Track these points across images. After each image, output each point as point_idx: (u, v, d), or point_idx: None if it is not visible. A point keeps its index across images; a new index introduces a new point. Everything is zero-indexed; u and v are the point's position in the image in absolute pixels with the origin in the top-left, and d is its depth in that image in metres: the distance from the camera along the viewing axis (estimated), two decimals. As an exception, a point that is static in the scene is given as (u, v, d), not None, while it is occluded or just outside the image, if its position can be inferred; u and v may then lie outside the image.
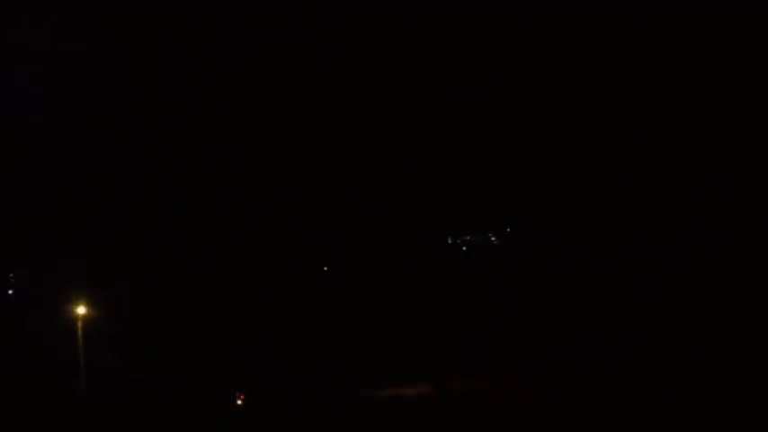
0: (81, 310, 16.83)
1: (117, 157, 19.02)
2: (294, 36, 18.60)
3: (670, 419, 14.36)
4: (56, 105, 18.05)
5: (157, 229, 20.16)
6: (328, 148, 20.24)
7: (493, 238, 42.30)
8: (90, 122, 19.17)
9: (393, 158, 20.41)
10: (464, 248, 41.68)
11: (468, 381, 17.76)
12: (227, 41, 18.48)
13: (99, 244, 19.61)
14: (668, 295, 21.38)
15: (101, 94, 18.75)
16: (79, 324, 16.81)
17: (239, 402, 17.06)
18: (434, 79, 18.43)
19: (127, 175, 19.22)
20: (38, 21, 18.41)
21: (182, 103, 18.91)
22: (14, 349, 17.77)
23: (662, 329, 18.93)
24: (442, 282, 28.60)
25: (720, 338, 17.23)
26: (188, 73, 18.86)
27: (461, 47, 18.13)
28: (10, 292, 25.40)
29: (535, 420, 15.13)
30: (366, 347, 20.28)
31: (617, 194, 19.47)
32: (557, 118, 18.85)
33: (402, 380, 17.83)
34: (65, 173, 18.90)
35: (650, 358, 17.18)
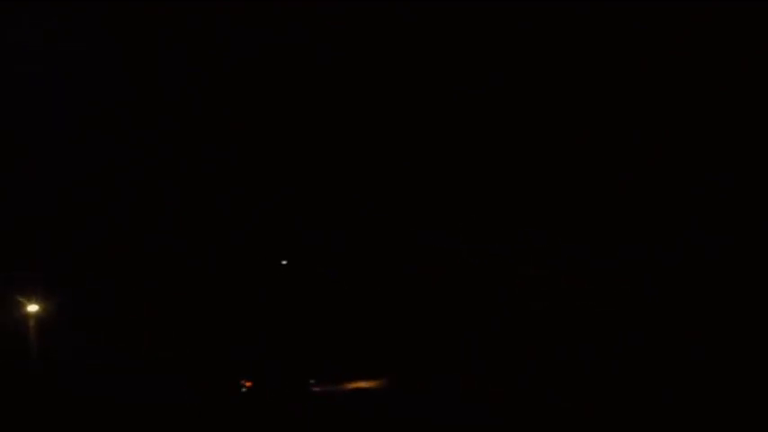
0: (32, 307, 17.12)
1: (117, 157, 19.13)
2: (294, 36, 18.72)
3: (670, 419, 14.41)
4: (56, 105, 18.15)
5: (157, 229, 20.30)
6: (328, 148, 20.33)
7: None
8: (90, 122, 19.27)
9: (393, 158, 20.44)
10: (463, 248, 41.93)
11: (468, 380, 17.83)
12: (227, 41, 18.59)
13: (99, 244, 19.77)
14: (668, 295, 21.49)
15: (101, 94, 18.86)
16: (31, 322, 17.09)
17: (244, 390, 17.13)
18: (434, 79, 18.45)
19: (127, 175, 19.33)
20: (38, 21, 18.57)
21: (182, 103, 19.01)
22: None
23: (662, 329, 19.01)
24: (442, 281, 28.77)
25: (720, 338, 17.29)
26: (188, 73, 18.96)
27: (461, 47, 18.17)
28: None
29: (535, 420, 15.17)
30: (365, 347, 20.39)
31: (617, 194, 19.52)
32: (556, 118, 18.91)
33: (401, 379, 17.95)
34: (65, 173, 19.00)
35: (650, 358, 17.24)
